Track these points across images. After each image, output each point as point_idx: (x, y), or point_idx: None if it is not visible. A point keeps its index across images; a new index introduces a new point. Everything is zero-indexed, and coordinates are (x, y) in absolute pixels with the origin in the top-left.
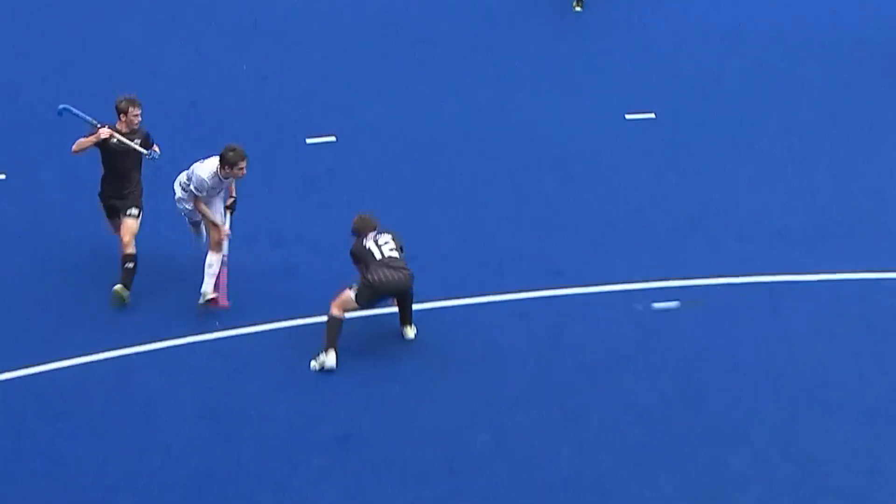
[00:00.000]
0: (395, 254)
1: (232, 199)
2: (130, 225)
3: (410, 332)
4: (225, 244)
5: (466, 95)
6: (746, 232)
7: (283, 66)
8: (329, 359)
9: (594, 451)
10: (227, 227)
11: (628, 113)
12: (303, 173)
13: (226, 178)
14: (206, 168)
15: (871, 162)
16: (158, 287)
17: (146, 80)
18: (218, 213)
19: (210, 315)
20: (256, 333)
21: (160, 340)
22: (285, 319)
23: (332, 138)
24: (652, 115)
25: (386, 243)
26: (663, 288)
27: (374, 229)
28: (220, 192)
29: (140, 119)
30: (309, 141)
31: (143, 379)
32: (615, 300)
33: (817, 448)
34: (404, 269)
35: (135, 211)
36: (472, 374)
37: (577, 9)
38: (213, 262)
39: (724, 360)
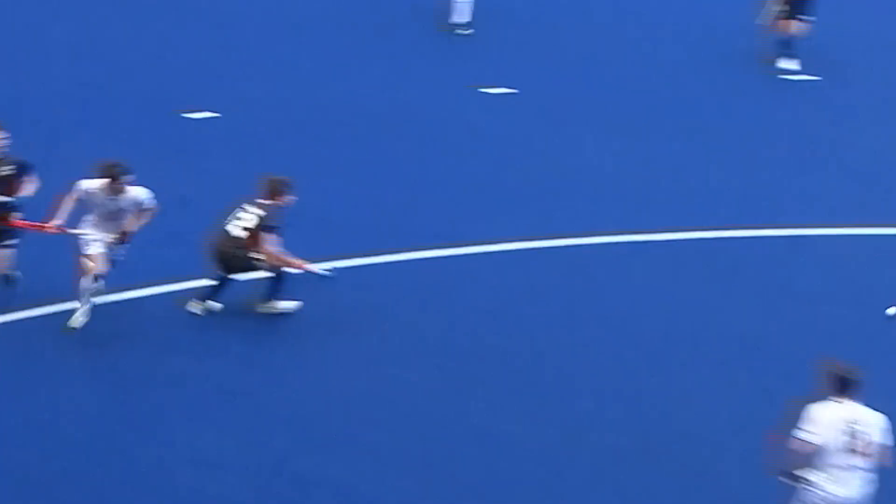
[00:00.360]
0: (234, 231)
1: (126, 232)
2: (8, 255)
3: (273, 306)
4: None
5: (347, 71)
6: (604, 194)
7: (180, 46)
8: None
9: (470, 401)
10: (94, 250)
11: (494, 87)
12: (187, 144)
13: (113, 197)
14: (97, 180)
15: (713, 131)
16: (47, 256)
17: (32, 60)
18: (95, 237)
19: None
20: (145, 297)
21: (52, 304)
22: (172, 283)
23: (216, 114)
24: (516, 91)
25: (241, 218)
26: (533, 249)
27: (264, 196)
28: (104, 214)
29: (8, 143)
30: (193, 115)
31: (37, 342)
32: (488, 260)
33: (669, 392)
34: (222, 245)
35: (12, 241)
36: (354, 331)
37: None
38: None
39: (588, 313)
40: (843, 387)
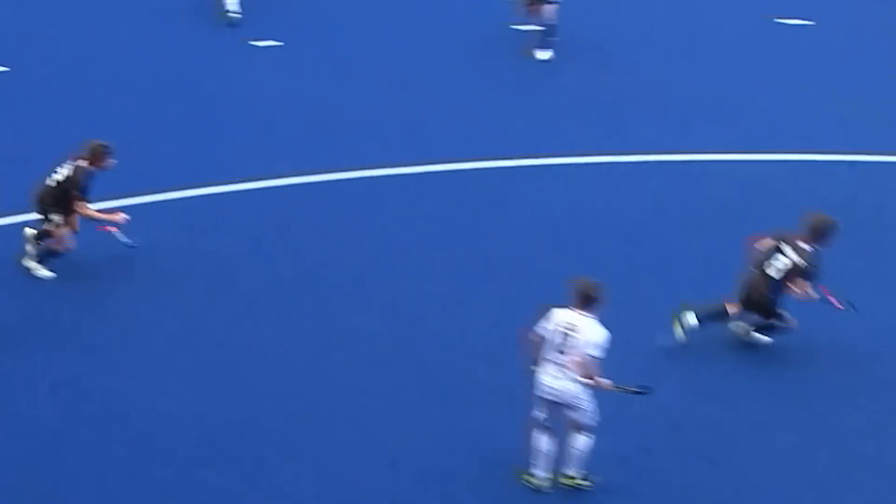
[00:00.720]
0: (49, 181)
1: None
2: None
3: (33, 265)
4: None
5: (131, 32)
6: (362, 133)
7: None
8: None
9: (241, 319)
10: None
11: (262, 40)
12: None
13: None
14: None
15: (447, 88)
16: None
17: None
18: None
19: None
20: None
21: None
22: None
23: (5, 68)
24: (281, 43)
25: (56, 173)
26: (299, 184)
27: (83, 158)
28: None
29: None
30: None
31: None
32: (254, 197)
33: (427, 305)
34: (40, 194)
35: None
36: (140, 263)
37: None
38: None
39: (353, 238)
40: (584, 300)
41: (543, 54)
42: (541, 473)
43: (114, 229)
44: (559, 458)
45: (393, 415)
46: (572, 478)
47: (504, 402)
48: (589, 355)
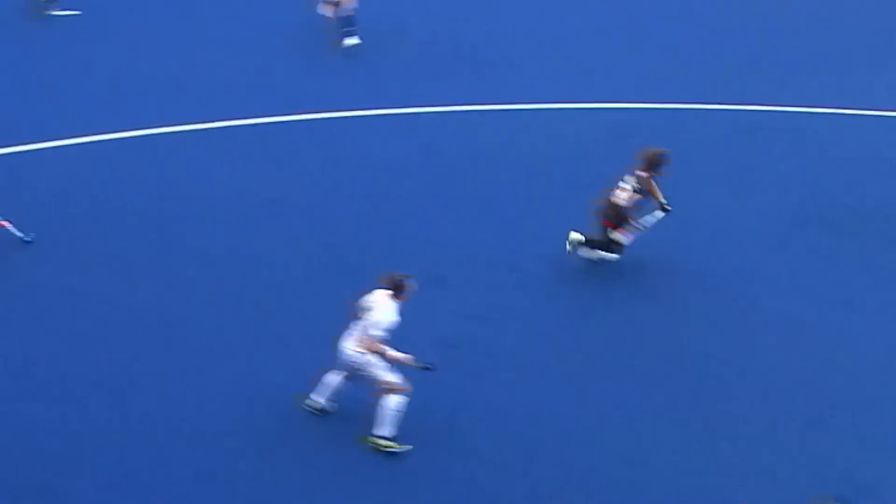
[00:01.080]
0: None
1: None
2: None
3: None
4: None
5: None
6: (162, 94)
7: None
8: None
9: (74, 268)
10: None
11: (63, 10)
12: None
13: None
14: None
15: (245, 53)
16: None
17: None
18: None
19: None
20: None
21: None
22: None
23: None
24: (79, 12)
25: None
26: (102, 141)
27: None
28: None
29: None
30: None
31: None
32: (52, 155)
33: (249, 254)
34: None
35: None
36: None
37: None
38: None
39: (149, 191)
40: (390, 287)
41: (349, 41)
42: (318, 399)
43: (8, 224)
44: (373, 419)
45: (200, 350)
46: (383, 438)
47: (303, 341)
48: (372, 332)
